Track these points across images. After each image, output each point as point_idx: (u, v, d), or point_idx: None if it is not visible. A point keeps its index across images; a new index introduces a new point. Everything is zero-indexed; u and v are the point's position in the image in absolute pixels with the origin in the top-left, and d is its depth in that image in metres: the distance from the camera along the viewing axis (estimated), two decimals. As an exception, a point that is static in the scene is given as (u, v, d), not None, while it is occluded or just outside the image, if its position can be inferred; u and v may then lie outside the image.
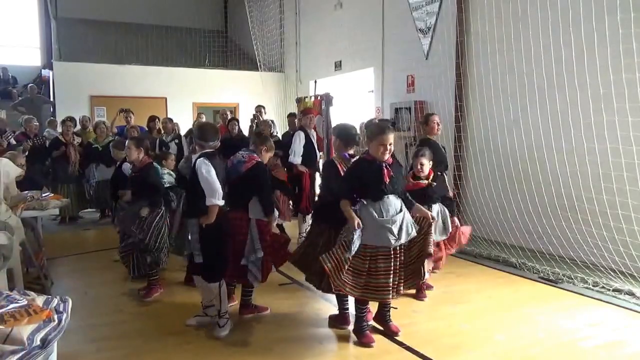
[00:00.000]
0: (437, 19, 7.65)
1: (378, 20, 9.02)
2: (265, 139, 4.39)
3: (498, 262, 5.93)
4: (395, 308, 4.19)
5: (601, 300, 4.66)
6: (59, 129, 8.97)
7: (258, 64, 12.51)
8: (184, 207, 4.77)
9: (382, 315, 4.00)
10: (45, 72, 12.93)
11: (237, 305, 4.43)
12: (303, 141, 6.84)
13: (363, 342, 3.78)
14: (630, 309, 4.44)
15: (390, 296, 3.69)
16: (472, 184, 6.91)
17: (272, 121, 8.97)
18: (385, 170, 3.63)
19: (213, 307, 4.07)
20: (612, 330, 4.04)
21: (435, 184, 4.68)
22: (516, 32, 6.08)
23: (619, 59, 5.04)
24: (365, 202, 3.61)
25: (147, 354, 3.65)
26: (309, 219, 6.05)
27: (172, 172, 5.51)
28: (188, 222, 4.00)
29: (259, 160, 4.19)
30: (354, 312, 3.96)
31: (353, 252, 3.52)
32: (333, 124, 7.43)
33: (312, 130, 7.20)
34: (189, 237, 3.98)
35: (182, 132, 8.71)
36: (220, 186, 3.77)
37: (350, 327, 3.99)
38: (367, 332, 3.84)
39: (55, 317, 2.40)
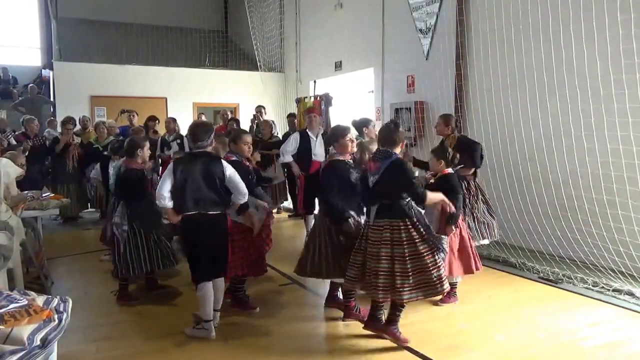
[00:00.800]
0: (437, 19, 7.65)
1: (378, 20, 9.01)
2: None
3: (498, 262, 5.93)
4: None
5: (601, 300, 4.66)
6: (59, 129, 8.98)
7: (258, 64, 12.52)
8: None
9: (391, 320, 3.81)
10: (46, 72, 12.92)
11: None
12: (296, 143, 6.73)
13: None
14: (630, 309, 4.44)
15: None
16: (472, 184, 6.89)
17: (273, 121, 8.97)
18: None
19: (218, 312, 4.05)
20: (612, 330, 4.04)
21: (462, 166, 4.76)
22: (516, 32, 6.08)
23: (619, 59, 5.04)
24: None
25: (147, 354, 3.65)
26: (311, 219, 6.05)
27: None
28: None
29: (234, 159, 4.22)
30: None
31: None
32: (333, 124, 7.43)
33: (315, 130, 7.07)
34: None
35: (183, 132, 8.72)
36: (164, 190, 3.68)
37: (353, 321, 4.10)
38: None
39: (56, 317, 2.40)
